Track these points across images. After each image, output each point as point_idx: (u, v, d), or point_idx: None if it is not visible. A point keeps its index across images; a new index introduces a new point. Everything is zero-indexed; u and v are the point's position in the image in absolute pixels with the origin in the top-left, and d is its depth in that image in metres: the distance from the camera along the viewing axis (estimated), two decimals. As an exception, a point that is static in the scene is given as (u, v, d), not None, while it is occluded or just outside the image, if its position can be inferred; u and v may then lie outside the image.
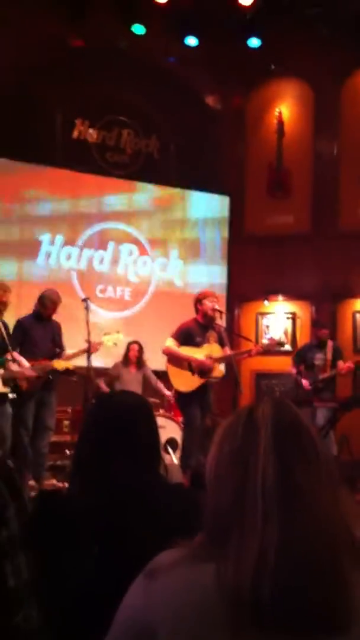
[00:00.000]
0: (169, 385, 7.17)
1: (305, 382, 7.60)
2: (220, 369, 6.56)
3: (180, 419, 7.03)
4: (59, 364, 6.36)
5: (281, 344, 7.60)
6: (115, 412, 1.93)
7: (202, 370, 6.29)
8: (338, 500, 1.21)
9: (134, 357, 8.04)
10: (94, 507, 1.78)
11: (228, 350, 6.52)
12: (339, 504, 1.20)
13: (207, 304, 6.38)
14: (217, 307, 6.56)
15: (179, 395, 6.70)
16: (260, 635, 1.12)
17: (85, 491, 1.84)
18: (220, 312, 6.70)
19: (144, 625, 1.18)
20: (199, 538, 1.23)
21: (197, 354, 6.33)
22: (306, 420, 1.27)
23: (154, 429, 1.98)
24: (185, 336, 6.39)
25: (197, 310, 6.50)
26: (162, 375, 6.86)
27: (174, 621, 1.15)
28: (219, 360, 6.41)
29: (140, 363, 8.06)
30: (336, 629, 1.12)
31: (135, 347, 8.07)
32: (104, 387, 7.90)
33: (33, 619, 1.46)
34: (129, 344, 8.05)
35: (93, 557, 1.68)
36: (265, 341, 8.91)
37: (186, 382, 6.34)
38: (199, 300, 6.51)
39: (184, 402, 6.52)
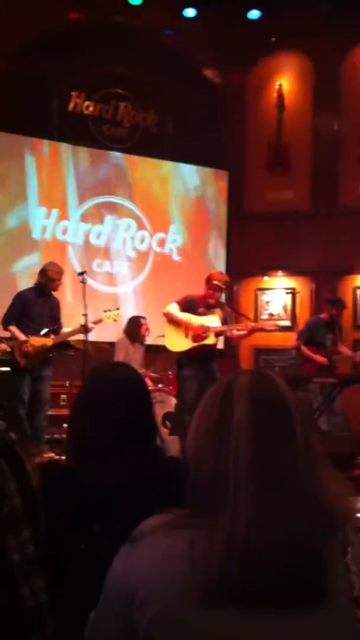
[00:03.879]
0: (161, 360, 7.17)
1: (321, 358, 7.55)
2: (214, 339, 6.53)
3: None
4: (36, 341, 6.35)
5: (279, 326, 7.53)
6: (104, 387, 1.92)
7: (194, 334, 6.37)
8: (317, 476, 1.19)
9: (145, 332, 7.87)
10: (90, 480, 1.77)
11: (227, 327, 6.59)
12: (318, 480, 1.19)
13: (208, 291, 6.48)
14: (215, 282, 6.57)
15: (175, 366, 6.77)
16: (229, 610, 1.11)
17: (81, 465, 1.84)
18: (220, 287, 6.70)
19: (123, 590, 1.19)
20: (184, 509, 1.23)
21: (194, 319, 6.42)
22: (287, 393, 1.23)
23: (145, 402, 1.96)
24: (189, 305, 6.50)
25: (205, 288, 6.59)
26: (157, 350, 6.88)
27: (149, 587, 1.15)
28: (213, 330, 6.43)
29: (143, 339, 7.98)
30: (309, 606, 1.11)
31: (146, 322, 7.90)
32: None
33: (40, 592, 1.46)
34: (139, 319, 7.90)
35: (94, 531, 1.69)
36: (265, 317, 8.86)
37: (179, 343, 6.44)
38: (206, 281, 6.58)
39: (178, 373, 6.63)
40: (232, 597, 1.10)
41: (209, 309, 6.51)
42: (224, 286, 6.56)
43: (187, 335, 6.41)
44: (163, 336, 6.66)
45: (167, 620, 1.13)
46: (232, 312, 6.71)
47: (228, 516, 1.13)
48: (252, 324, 6.71)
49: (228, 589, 1.10)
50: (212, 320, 6.46)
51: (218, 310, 6.54)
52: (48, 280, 6.56)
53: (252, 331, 6.57)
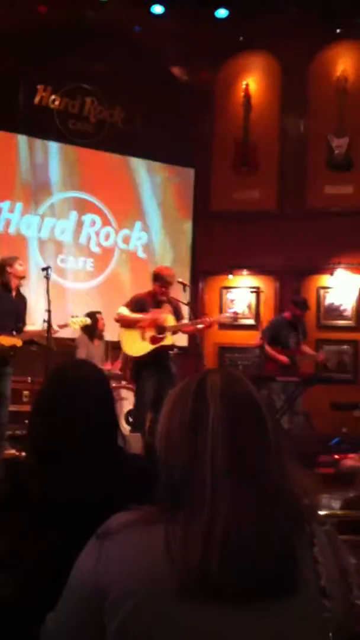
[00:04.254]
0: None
1: (284, 358, 7.61)
2: (171, 339, 6.56)
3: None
4: (5, 340, 6.26)
5: (235, 318, 7.64)
6: (66, 385, 1.91)
7: (156, 325, 6.39)
8: (287, 472, 1.23)
9: (103, 327, 7.91)
10: (50, 478, 1.77)
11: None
12: (288, 476, 1.23)
13: (157, 287, 6.53)
14: (180, 280, 6.75)
15: (133, 365, 6.81)
16: (206, 603, 1.13)
17: (41, 463, 1.82)
18: (185, 284, 6.75)
19: (94, 587, 1.18)
20: (153, 505, 1.23)
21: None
22: (256, 393, 1.28)
23: (108, 401, 1.95)
24: (138, 305, 6.53)
25: (153, 284, 6.63)
26: (119, 347, 6.90)
27: (124, 583, 1.16)
28: (169, 329, 6.47)
29: (102, 335, 7.98)
30: (280, 596, 1.15)
31: (102, 317, 7.94)
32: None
33: (8, 584, 1.48)
34: (95, 315, 7.91)
35: (55, 530, 1.67)
36: (227, 315, 8.93)
37: (137, 347, 6.46)
38: (153, 277, 6.62)
39: (137, 373, 6.65)
40: (209, 591, 1.12)
41: (159, 305, 6.52)
42: (174, 280, 6.60)
43: (143, 337, 6.43)
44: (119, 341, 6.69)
45: (143, 616, 1.14)
46: (181, 305, 6.71)
47: (206, 511, 1.15)
48: (209, 318, 6.75)
49: (206, 583, 1.12)
50: (166, 319, 6.50)
51: (166, 306, 6.56)
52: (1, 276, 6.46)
53: (209, 325, 6.62)
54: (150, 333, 6.45)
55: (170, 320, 6.50)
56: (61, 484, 1.75)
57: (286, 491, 1.20)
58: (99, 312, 8.00)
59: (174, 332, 6.59)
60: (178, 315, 6.64)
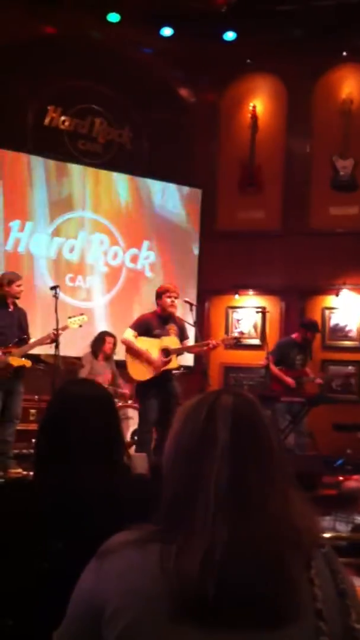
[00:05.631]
0: (127, 376, 7.18)
1: (290, 380, 7.65)
2: (177, 361, 6.63)
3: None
4: (15, 361, 6.30)
5: (239, 339, 7.73)
6: (72, 404, 1.93)
7: (162, 348, 6.51)
8: (288, 500, 1.22)
9: (109, 350, 7.87)
10: (54, 499, 1.78)
11: (187, 344, 6.76)
12: (289, 504, 1.21)
13: (166, 300, 6.58)
14: (187, 299, 6.88)
15: (137, 385, 6.85)
16: (199, 628, 1.12)
17: (46, 483, 1.84)
18: (191, 304, 6.82)
19: (93, 605, 1.19)
20: (153, 525, 1.23)
21: (154, 347, 6.51)
22: (264, 415, 1.27)
23: (113, 420, 1.97)
24: (144, 327, 6.60)
25: (157, 304, 6.70)
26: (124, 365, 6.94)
27: (119, 601, 1.16)
28: (174, 352, 6.54)
29: (110, 356, 7.97)
30: (276, 623, 1.13)
31: (112, 340, 7.87)
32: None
33: None
34: (104, 336, 7.91)
35: (57, 551, 1.69)
36: (233, 335, 8.98)
37: (141, 372, 6.54)
38: (158, 294, 6.70)
39: (141, 392, 6.72)
40: (204, 615, 1.11)
41: (165, 323, 6.58)
42: (178, 293, 6.66)
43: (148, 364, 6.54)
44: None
45: (137, 634, 1.14)
46: (185, 324, 6.81)
47: (206, 535, 1.15)
48: (213, 341, 6.78)
49: (201, 606, 1.11)
50: (171, 342, 6.57)
51: (172, 326, 6.62)
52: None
53: (213, 348, 6.70)
54: (155, 356, 6.51)
55: (174, 343, 6.57)
56: (64, 501, 1.77)
57: (286, 518, 1.19)
58: (110, 335, 7.94)
59: (179, 354, 6.65)
60: (183, 335, 6.72)
